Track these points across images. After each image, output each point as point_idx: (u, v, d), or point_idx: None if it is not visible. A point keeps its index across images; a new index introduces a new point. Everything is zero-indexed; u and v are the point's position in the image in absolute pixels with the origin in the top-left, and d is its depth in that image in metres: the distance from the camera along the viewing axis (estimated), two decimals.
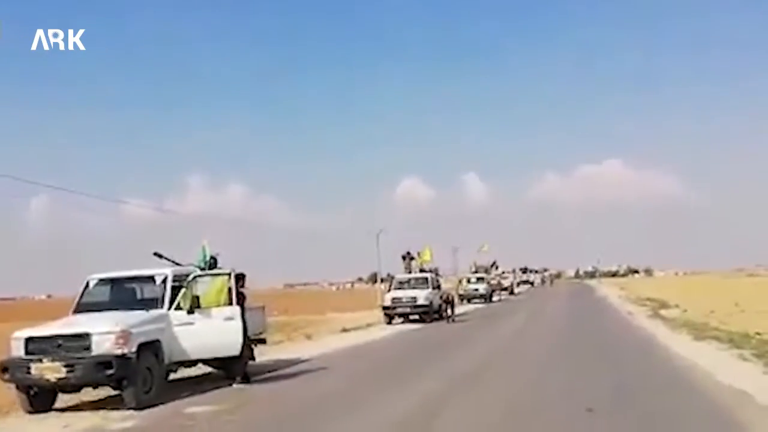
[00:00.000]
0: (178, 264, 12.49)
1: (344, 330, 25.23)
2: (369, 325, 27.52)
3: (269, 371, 13.67)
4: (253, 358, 13.60)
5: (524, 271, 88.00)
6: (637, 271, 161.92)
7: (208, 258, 12.69)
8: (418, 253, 33.01)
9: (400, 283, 30.14)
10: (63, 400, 10.90)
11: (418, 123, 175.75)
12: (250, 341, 13.49)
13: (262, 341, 14.30)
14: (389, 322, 28.03)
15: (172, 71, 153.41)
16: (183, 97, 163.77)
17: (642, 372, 11.82)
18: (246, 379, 11.91)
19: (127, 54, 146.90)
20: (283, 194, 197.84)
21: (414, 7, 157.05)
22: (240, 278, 13.23)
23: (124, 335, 9.96)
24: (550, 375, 11.88)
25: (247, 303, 14.05)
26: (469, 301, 45.58)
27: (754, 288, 45.65)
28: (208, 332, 11.28)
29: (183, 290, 11.36)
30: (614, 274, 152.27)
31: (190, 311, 11.24)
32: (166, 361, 10.97)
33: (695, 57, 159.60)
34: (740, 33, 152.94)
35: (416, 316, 28.05)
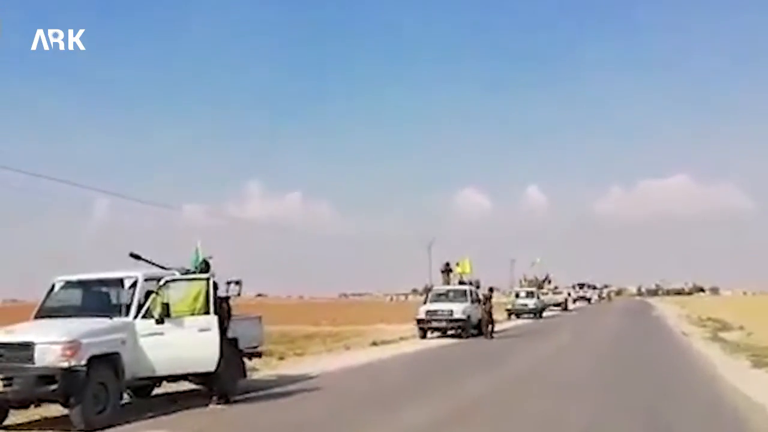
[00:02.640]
0: (162, 267, 11.25)
1: (374, 344, 23.80)
2: (402, 339, 26.01)
3: (262, 389, 12.36)
4: (244, 375, 12.34)
5: (581, 286, 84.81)
6: (703, 290, 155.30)
7: (200, 261, 11.44)
8: (457, 264, 31.32)
9: (438, 295, 28.50)
10: (26, 415, 9.85)
11: (481, 133, 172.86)
12: (242, 355, 12.35)
13: (257, 355, 13.01)
14: (423, 336, 26.42)
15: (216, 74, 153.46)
16: (235, 102, 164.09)
17: (684, 407, 10.00)
18: (225, 399, 10.57)
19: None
20: (337, 203, 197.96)
21: (481, 11, 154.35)
22: (233, 283, 12.07)
23: (72, 346, 8.76)
24: (571, 408, 10.17)
25: (241, 312, 12.91)
26: (518, 316, 43.59)
27: None
28: (179, 344, 10.00)
29: (152, 296, 10.13)
30: (678, 293, 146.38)
31: (160, 320, 9.98)
32: (129, 377, 9.71)
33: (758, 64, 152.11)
34: None
35: (453, 331, 26.40)
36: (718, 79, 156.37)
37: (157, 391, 12.06)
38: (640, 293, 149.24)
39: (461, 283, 30.57)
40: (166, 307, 9.99)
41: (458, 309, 26.55)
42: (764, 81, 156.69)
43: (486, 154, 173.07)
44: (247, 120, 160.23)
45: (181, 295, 10.24)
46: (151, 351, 9.89)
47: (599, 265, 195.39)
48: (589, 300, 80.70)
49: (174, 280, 10.45)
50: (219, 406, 10.37)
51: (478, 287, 31.35)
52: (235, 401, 10.85)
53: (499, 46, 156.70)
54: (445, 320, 26.44)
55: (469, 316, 26.66)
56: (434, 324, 26.65)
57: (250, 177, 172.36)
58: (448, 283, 31.04)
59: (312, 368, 16.04)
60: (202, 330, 10.13)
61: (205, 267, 11.26)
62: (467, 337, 25.86)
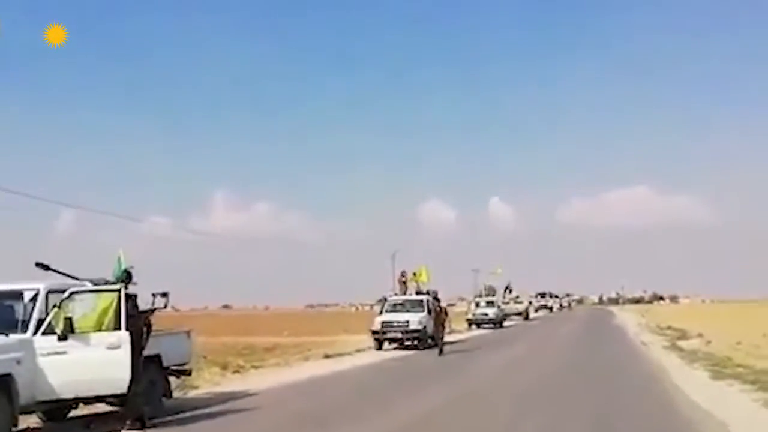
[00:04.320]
0: (74, 278, 10.17)
1: (327, 356, 22.85)
2: (358, 351, 25.12)
3: (193, 409, 11.33)
4: (169, 395, 11.32)
5: (542, 295, 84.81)
6: (662, 298, 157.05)
7: (121, 271, 10.38)
8: (414, 274, 30.44)
9: (394, 305, 27.63)
10: None
11: (444, 144, 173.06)
12: (167, 373, 11.34)
13: (186, 372, 11.99)
14: (379, 348, 25.53)
15: (184, 77, 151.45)
16: (193, 108, 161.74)
17: (636, 425, 9.25)
18: (141, 423, 9.51)
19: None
20: (304, 215, 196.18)
21: (437, 19, 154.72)
22: (159, 296, 11.08)
23: None
24: (520, 424, 9.37)
25: (171, 327, 11.94)
26: (478, 326, 42.88)
27: None
28: (84, 364, 8.97)
29: (54, 310, 9.07)
30: (638, 301, 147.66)
31: (62, 337, 8.94)
32: (26, 401, 8.64)
33: (726, 81, 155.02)
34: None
35: (410, 342, 25.54)
36: (680, 92, 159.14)
37: (76, 412, 10.99)
38: (601, 302, 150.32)
39: (418, 293, 29.74)
40: (69, 322, 8.96)
41: (414, 319, 25.75)
42: (726, 96, 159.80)
43: (450, 166, 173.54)
44: (212, 128, 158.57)
45: (88, 308, 9.21)
46: (52, 371, 8.85)
47: (561, 274, 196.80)
48: (550, 309, 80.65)
49: (80, 292, 9.40)
50: (133, 431, 9.32)
51: (436, 298, 30.56)
52: (155, 425, 9.81)
53: (465, 51, 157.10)
54: (401, 331, 25.59)
55: (425, 327, 25.82)
56: (390, 335, 25.78)
57: (216, 187, 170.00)
58: (404, 293, 30.15)
59: (256, 384, 15.24)
60: (111, 347, 9.10)
61: (126, 278, 10.20)
62: (423, 348, 25.02)
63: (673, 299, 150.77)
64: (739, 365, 15.65)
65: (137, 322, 9.57)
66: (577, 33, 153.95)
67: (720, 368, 15.30)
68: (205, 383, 15.55)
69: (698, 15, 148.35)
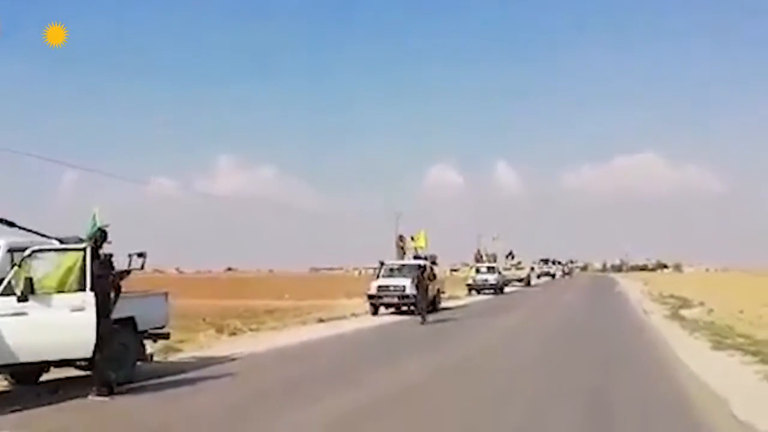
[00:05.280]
0: (43, 236, 9.62)
1: (320, 320, 22.52)
2: (354, 316, 24.75)
3: (171, 375, 10.87)
4: (146, 358, 10.86)
5: (545, 261, 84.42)
6: (666, 266, 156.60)
7: (95, 229, 9.81)
8: (412, 238, 29.90)
9: (390, 270, 27.13)
10: None
11: (451, 108, 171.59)
12: (143, 337, 10.86)
13: (164, 336, 11.52)
14: (375, 313, 25.18)
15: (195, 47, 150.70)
16: (207, 75, 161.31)
17: (632, 399, 8.73)
18: (109, 389, 9.01)
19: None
20: (311, 178, 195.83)
21: None
22: (136, 255, 10.60)
23: None
24: (511, 396, 8.87)
25: (147, 289, 11.44)
26: (479, 291, 42.45)
27: None
28: (46, 326, 8.46)
29: (14, 269, 8.54)
30: (642, 269, 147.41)
31: (23, 297, 8.40)
32: None
33: (728, 48, 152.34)
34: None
35: (406, 307, 25.09)
36: (692, 61, 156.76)
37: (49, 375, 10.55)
38: (604, 269, 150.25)
39: (416, 257, 29.23)
40: (29, 281, 8.42)
41: (411, 284, 25.25)
42: (737, 67, 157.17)
43: (457, 130, 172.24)
44: (220, 93, 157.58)
45: (51, 268, 8.68)
46: (12, 334, 8.34)
47: (565, 240, 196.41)
48: (553, 275, 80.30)
49: (42, 251, 8.85)
50: (99, 398, 8.83)
51: (434, 262, 30.06)
52: (125, 390, 9.34)
53: (468, 19, 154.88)
54: (397, 296, 25.11)
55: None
56: (386, 300, 25.36)
57: (221, 151, 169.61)
58: (402, 257, 29.67)
59: (243, 348, 14.91)
60: (75, 309, 8.60)
61: (101, 236, 9.64)
62: (419, 313, 24.58)
63: (677, 267, 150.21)
64: (740, 335, 15.20)
65: (105, 283, 9.04)
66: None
67: (721, 338, 14.85)
68: (192, 347, 15.19)
69: None
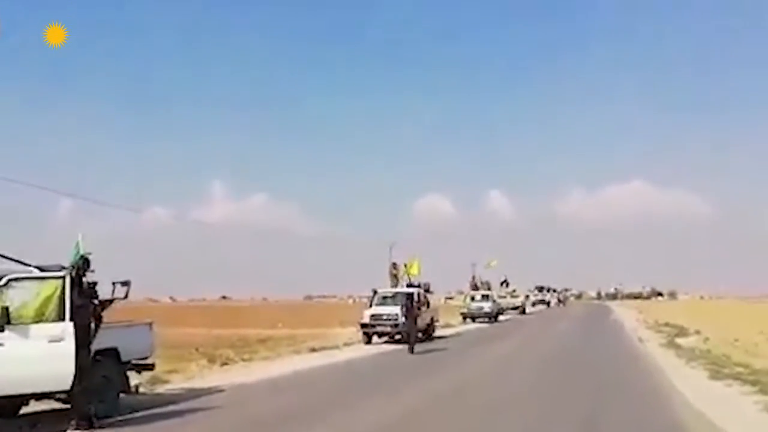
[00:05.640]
0: (22, 263, 9.35)
1: (313, 350, 22.16)
2: (346, 345, 24.37)
3: (153, 407, 10.56)
4: (130, 390, 10.56)
5: (540, 289, 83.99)
6: (661, 294, 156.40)
7: (78, 257, 9.58)
8: (405, 265, 29.63)
9: (383, 298, 26.79)
10: None
11: (443, 139, 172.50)
12: (126, 368, 10.57)
13: (149, 367, 11.21)
14: (368, 342, 24.77)
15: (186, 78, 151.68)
16: (197, 104, 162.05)
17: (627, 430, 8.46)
18: (88, 423, 8.72)
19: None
20: (305, 206, 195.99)
21: (432, 19, 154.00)
22: (119, 284, 10.35)
23: None
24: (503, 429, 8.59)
25: (134, 319, 11.16)
26: (473, 320, 42.10)
27: None
28: (23, 358, 8.18)
29: None
30: (637, 297, 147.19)
31: None
32: None
33: (718, 76, 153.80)
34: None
35: (399, 336, 24.71)
36: (679, 86, 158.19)
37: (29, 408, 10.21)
38: (599, 297, 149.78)
39: (410, 285, 28.93)
40: (5, 311, 8.16)
41: (405, 313, 24.92)
42: (722, 89, 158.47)
43: (449, 159, 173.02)
44: (213, 120, 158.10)
45: (28, 297, 8.43)
46: None
47: (561, 268, 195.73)
48: (548, 303, 79.82)
49: (19, 279, 8.59)
50: None
51: (427, 290, 29.76)
52: (108, 424, 9.03)
53: (461, 49, 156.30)
54: (390, 325, 24.75)
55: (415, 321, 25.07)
56: (379, 329, 24.96)
57: (214, 177, 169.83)
58: (396, 285, 29.37)
59: (233, 379, 14.63)
60: (53, 340, 8.32)
61: (84, 264, 9.41)
62: (408, 342, 24.24)
63: (672, 295, 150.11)
64: (737, 364, 14.97)
65: (85, 312, 8.78)
66: (578, 30, 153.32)
67: (718, 367, 14.61)
68: (180, 378, 14.88)
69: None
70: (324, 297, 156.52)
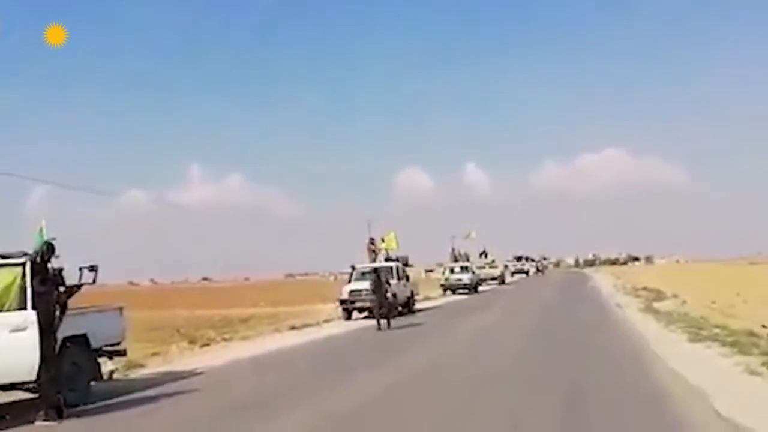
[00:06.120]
0: None
1: (293, 327, 21.98)
2: (326, 322, 24.24)
3: (127, 393, 10.29)
4: (99, 377, 10.29)
5: (518, 259, 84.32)
6: (638, 259, 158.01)
7: (42, 243, 9.22)
8: (382, 239, 29.45)
9: (362, 273, 26.59)
10: None
11: (417, 112, 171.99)
12: (97, 354, 10.29)
13: (120, 353, 10.93)
14: (348, 318, 24.70)
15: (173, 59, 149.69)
16: (183, 89, 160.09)
17: (610, 399, 8.36)
18: (57, 412, 8.43)
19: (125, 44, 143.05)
20: (284, 185, 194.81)
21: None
22: (87, 269, 10.04)
23: None
24: (480, 403, 8.45)
25: (103, 304, 10.85)
26: (453, 291, 42.16)
27: (756, 276, 42.32)
28: None
29: None
30: (614, 262, 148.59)
31: None
32: None
33: (694, 43, 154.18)
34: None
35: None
36: (650, 53, 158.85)
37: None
38: (577, 264, 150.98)
39: (387, 259, 28.80)
40: None
41: (390, 286, 24.76)
42: (696, 55, 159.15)
43: (426, 134, 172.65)
44: (188, 103, 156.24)
45: None
46: None
47: (538, 237, 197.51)
48: (527, 273, 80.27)
49: None
50: (46, 423, 8.23)
51: (406, 264, 29.67)
52: (79, 413, 8.76)
53: (434, 17, 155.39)
54: (370, 300, 24.60)
55: (395, 294, 24.94)
56: (358, 304, 24.87)
57: (191, 160, 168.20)
58: (374, 260, 29.21)
59: (211, 360, 14.47)
60: (15, 330, 8.00)
61: (48, 250, 9.07)
62: (393, 316, 24.15)
63: (648, 260, 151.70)
64: (715, 326, 15.01)
65: (49, 300, 8.46)
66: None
67: (697, 329, 14.63)
68: (158, 361, 14.67)
69: None
70: (306, 275, 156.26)
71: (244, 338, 19.31)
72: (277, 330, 21.29)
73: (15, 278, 8.20)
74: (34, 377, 8.09)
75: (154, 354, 15.44)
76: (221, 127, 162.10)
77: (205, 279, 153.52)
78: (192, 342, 17.92)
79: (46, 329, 8.24)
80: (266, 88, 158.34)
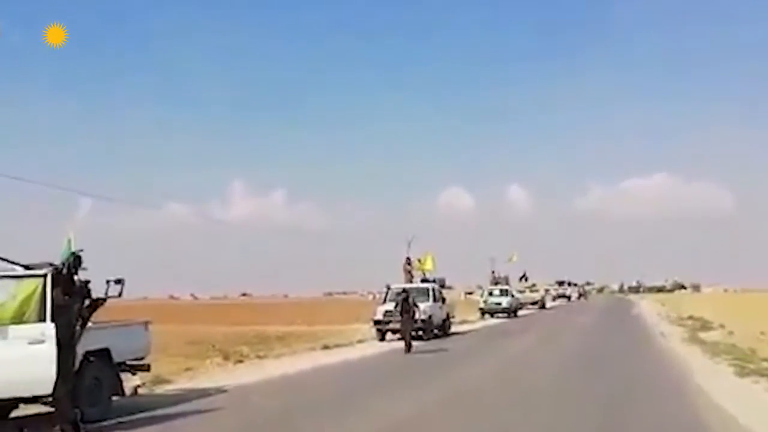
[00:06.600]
0: (8, 261, 8.93)
1: (325, 347, 21.73)
2: (360, 342, 23.91)
3: (150, 409, 10.12)
4: (121, 392, 10.13)
5: (560, 284, 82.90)
6: (684, 287, 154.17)
7: (69, 255, 9.15)
8: (419, 260, 29.06)
9: (397, 294, 26.20)
10: None
11: (462, 132, 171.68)
12: (119, 370, 10.15)
13: (143, 368, 10.78)
14: (382, 339, 24.27)
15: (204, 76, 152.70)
16: (222, 103, 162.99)
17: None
18: (74, 428, 8.25)
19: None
20: (322, 202, 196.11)
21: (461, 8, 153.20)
22: (113, 282, 9.92)
23: None
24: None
25: (126, 319, 10.73)
26: (492, 315, 41.43)
27: None
28: (1, 361, 7.73)
29: None
30: (660, 290, 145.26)
31: None
32: None
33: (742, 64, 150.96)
34: None
35: (414, 332, 24.12)
36: (701, 78, 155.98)
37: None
38: (621, 290, 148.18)
39: (424, 281, 28.38)
40: None
41: (419, 308, 24.37)
42: (747, 79, 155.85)
43: (469, 154, 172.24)
44: (229, 120, 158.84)
45: (7, 297, 7.97)
46: None
47: (581, 262, 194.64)
48: (568, 298, 78.79)
49: None
50: None
51: (443, 286, 29.24)
52: (98, 429, 8.60)
53: (482, 43, 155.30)
54: (397, 321, 24.16)
55: (431, 316, 24.61)
56: (392, 325, 24.44)
57: (233, 177, 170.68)
58: (410, 280, 28.81)
59: (239, 378, 14.22)
60: (33, 342, 7.86)
61: (75, 262, 8.97)
62: (428, 339, 23.74)
63: (695, 288, 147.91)
64: (764, 359, 14.27)
65: (69, 313, 8.33)
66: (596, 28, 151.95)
67: (744, 363, 13.91)
68: (186, 377, 14.52)
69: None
70: (344, 293, 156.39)
71: (278, 356, 19.17)
72: (312, 349, 21.15)
73: (36, 290, 8.09)
74: (50, 391, 7.94)
75: (187, 369, 15.34)
76: (262, 143, 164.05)
77: (244, 295, 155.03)
78: (226, 358, 17.93)
79: (66, 343, 8.10)
80: (311, 106, 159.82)
